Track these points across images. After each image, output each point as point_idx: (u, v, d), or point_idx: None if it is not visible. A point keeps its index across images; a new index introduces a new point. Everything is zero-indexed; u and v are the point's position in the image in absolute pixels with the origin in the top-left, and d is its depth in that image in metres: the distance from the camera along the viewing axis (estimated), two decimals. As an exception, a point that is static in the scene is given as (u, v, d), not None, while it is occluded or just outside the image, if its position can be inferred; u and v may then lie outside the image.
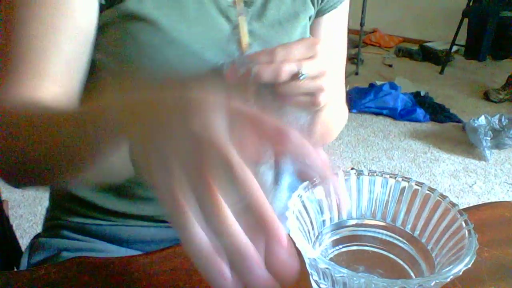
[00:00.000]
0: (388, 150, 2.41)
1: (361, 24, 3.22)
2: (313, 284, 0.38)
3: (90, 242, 0.65)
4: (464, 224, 0.38)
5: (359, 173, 0.43)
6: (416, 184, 0.42)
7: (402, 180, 0.43)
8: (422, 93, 2.93)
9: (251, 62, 0.45)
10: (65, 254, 0.62)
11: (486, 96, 3.01)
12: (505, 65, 3.60)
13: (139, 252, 0.66)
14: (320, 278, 0.35)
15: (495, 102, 2.96)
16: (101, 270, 0.50)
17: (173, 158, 0.28)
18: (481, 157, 2.33)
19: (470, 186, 2.12)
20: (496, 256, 0.53)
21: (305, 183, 0.41)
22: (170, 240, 0.67)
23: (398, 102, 2.74)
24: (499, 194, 2.07)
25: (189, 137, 0.29)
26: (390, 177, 0.43)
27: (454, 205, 0.40)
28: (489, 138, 2.35)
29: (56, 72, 0.52)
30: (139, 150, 0.31)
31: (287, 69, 0.45)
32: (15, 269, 0.75)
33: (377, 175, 0.43)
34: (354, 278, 0.31)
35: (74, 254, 0.62)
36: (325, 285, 0.35)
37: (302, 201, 0.40)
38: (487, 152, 2.32)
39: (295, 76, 0.46)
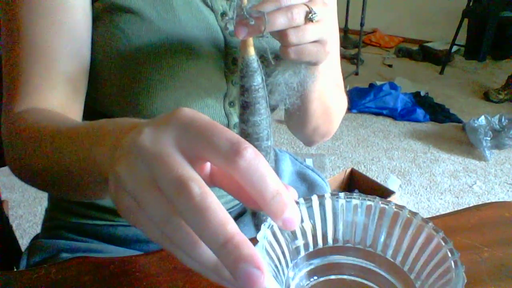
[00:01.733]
0: (388, 150, 2.41)
1: (361, 24, 3.22)
2: None
3: (88, 242, 0.65)
4: (449, 254, 0.33)
5: (335, 195, 0.39)
6: (396, 207, 0.38)
7: (382, 203, 0.39)
8: (422, 93, 2.93)
9: (258, 12, 0.42)
10: (64, 255, 0.62)
11: (486, 96, 3.01)
12: (505, 65, 3.60)
13: (137, 252, 0.66)
14: None
15: (495, 102, 2.96)
16: (101, 270, 0.50)
17: (129, 182, 0.28)
18: (481, 157, 2.33)
19: (470, 186, 2.12)
20: (496, 256, 0.53)
21: None
22: None
23: (398, 102, 2.74)
24: (499, 194, 2.07)
25: (138, 155, 0.28)
26: (368, 200, 0.39)
27: (437, 231, 0.36)
28: (489, 138, 2.35)
29: (64, 75, 0.53)
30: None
31: (300, 10, 0.43)
32: (15, 270, 0.75)
33: (354, 198, 0.39)
34: None
35: (72, 255, 0.62)
36: None
37: (273, 231, 0.36)
38: (487, 152, 2.32)
39: (307, 18, 0.43)
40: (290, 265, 0.38)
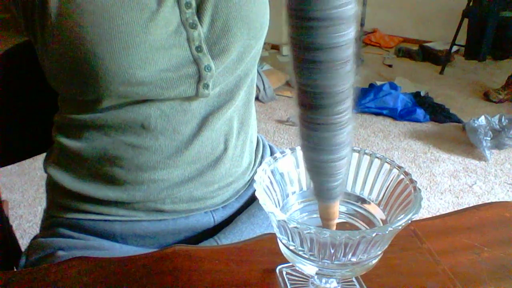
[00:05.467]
0: (388, 150, 2.41)
1: (361, 24, 3.22)
2: (282, 248, 0.40)
3: (85, 239, 0.66)
4: (410, 182, 0.42)
5: None
6: (366, 154, 0.45)
7: (354, 150, 0.46)
8: (422, 93, 2.93)
9: None
10: (61, 253, 0.63)
11: (486, 96, 3.01)
12: (505, 65, 3.60)
13: (133, 247, 0.66)
14: (289, 240, 0.38)
15: (495, 102, 2.96)
16: (101, 270, 0.50)
17: None
18: (481, 157, 2.33)
19: (470, 186, 2.12)
20: (496, 256, 0.53)
21: (269, 158, 0.44)
22: (163, 234, 0.67)
23: (398, 102, 2.74)
24: (499, 194, 2.07)
25: None
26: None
27: (400, 167, 0.44)
28: (489, 138, 2.35)
29: None
30: None
31: None
32: (15, 270, 0.75)
33: None
34: (320, 233, 0.34)
35: (69, 253, 0.62)
36: (294, 246, 0.38)
37: (271, 172, 0.43)
38: (487, 152, 2.32)
39: None
40: (281, 203, 0.44)
